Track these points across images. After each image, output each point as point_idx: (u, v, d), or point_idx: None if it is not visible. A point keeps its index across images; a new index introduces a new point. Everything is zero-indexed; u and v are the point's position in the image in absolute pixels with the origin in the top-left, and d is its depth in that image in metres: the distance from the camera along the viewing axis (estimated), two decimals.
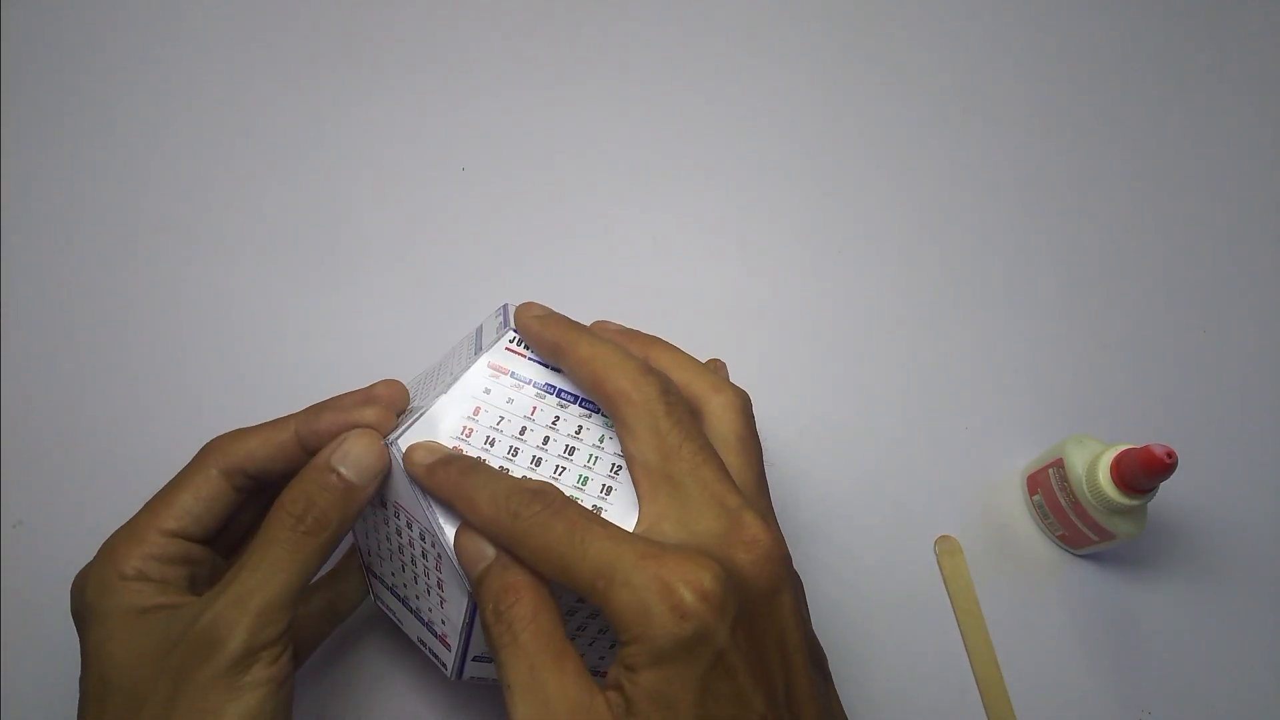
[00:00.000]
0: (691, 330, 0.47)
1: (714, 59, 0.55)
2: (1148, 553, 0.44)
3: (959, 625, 0.42)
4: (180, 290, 0.46)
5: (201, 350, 0.45)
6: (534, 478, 0.28)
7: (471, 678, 0.31)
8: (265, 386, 0.44)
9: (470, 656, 0.30)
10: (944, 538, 0.43)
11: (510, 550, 0.26)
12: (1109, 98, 0.57)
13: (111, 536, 0.29)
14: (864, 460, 0.45)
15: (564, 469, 0.29)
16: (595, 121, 0.53)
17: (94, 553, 0.29)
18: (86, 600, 0.28)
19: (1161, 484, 0.37)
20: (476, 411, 0.29)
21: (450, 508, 0.27)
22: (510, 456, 0.29)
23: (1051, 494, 0.42)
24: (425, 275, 0.48)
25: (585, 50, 0.55)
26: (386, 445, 0.29)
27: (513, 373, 0.30)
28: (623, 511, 0.28)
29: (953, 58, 0.57)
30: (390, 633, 0.39)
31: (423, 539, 0.29)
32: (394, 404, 0.30)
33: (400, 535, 0.30)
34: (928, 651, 0.41)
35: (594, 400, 0.29)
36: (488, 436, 0.29)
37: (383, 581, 0.34)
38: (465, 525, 0.27)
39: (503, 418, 0.29)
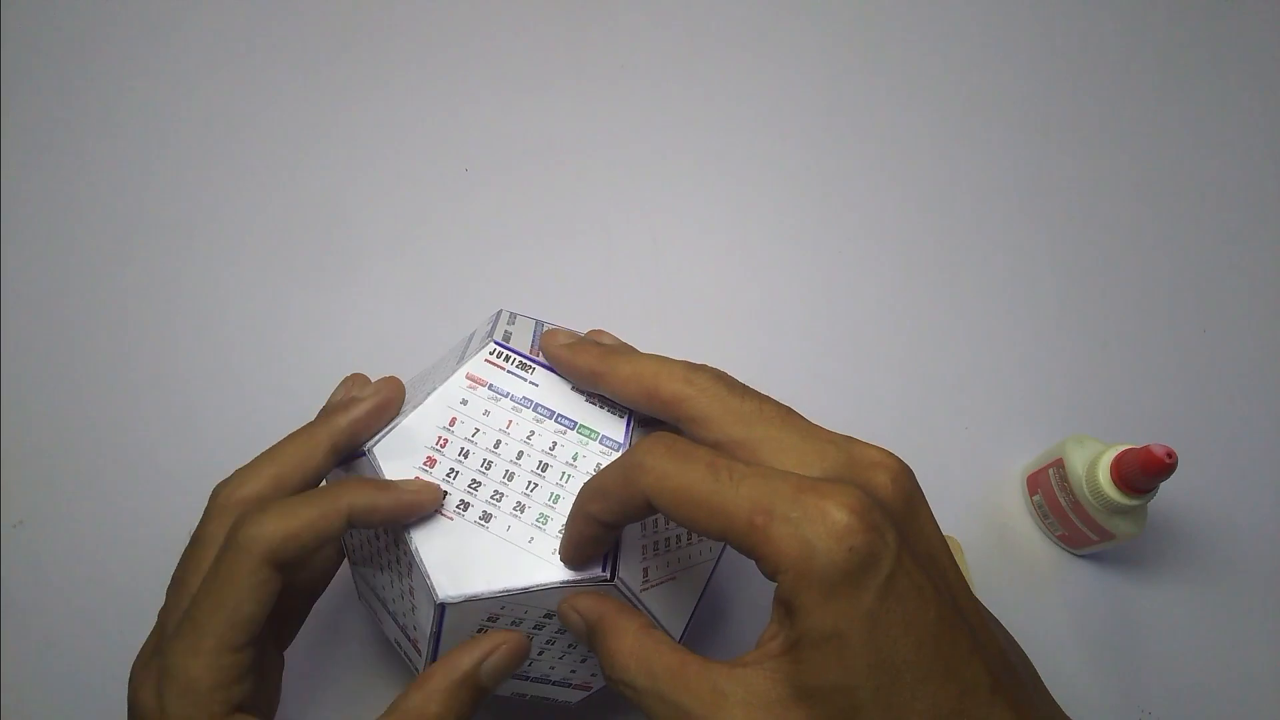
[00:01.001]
0: (691, 330, 0.47)
1: (715, 59, 0.55)
2: (1148, 553, 0.44)
3: None
4: (180, 290, 0.46)
5: (201, 350, 0.45)
6: (504, 492, 0.29)
7: None
8: (265, 386, 0.44)
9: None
10: (945, 537, 0.43)
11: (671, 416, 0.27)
12: (1109, 98, 0.57)
13: (176, 654, 0.26)
14: None
15: (536, 485, 0.29)
16: (596, 121, 0.53)
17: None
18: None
19: (1161, 484, 0.37)
20: (452, 422, 0.29)
21: (595, 381, 0.29)
22: (483, 469, 0.29)
23: (1051, 494, 0.42)
24: (426, 275, 0.48)
25: (587, 51, 0.55)
26: (365, 452, 0.29)
27: (491, 385, 0.30)
28: None
29: (953, 58, 0.57)
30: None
31: (396, 545, 0.29)
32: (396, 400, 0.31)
33: (378, 539, 0.30)
34: None
35: (651, 412, 0.28)
36: (462, 448, 0.29)
37: (364, 580, 0.34)
38: (566, 601, 0.28)
39: (478, 429, 0.29)
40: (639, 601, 0.29)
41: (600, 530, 0.26)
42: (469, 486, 0.29)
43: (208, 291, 0.46)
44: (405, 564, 0.29)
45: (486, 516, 0.28)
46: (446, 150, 0.51)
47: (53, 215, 0.48)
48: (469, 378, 0.30)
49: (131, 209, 0.48)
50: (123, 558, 0.40)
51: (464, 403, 0.30)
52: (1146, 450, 0.36)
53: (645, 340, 0.40)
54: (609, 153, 0.52)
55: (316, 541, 0.26)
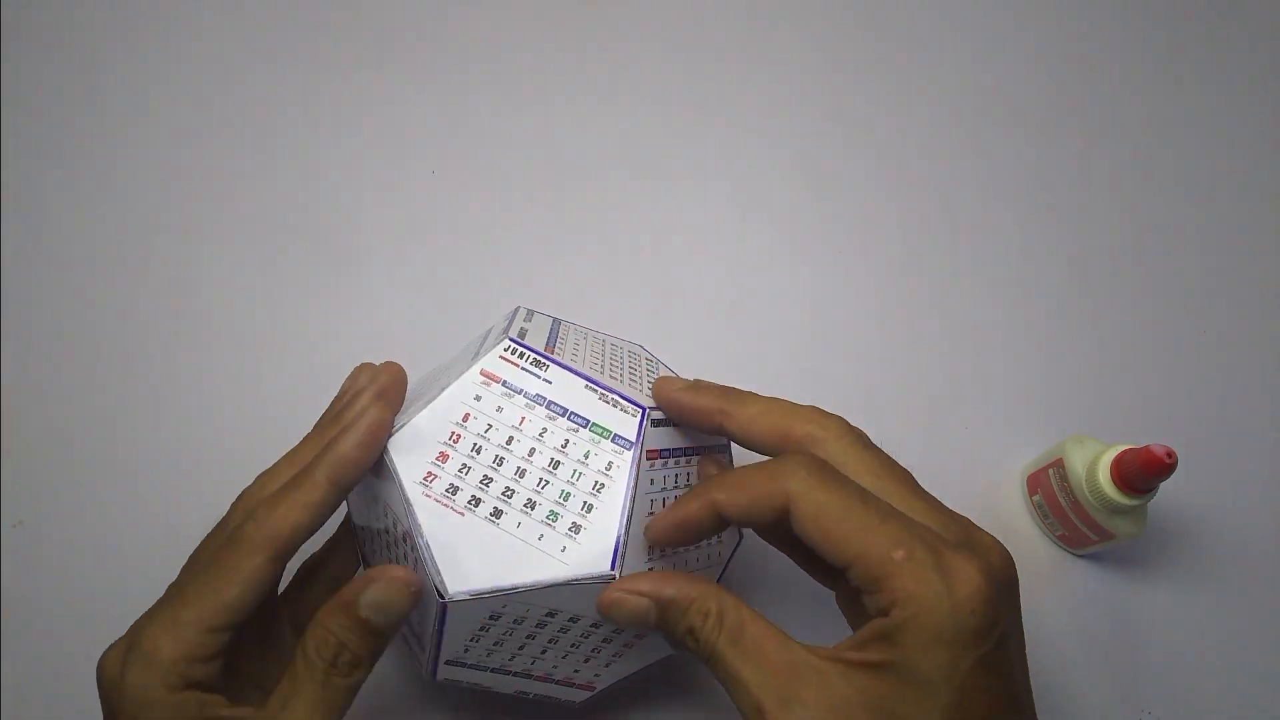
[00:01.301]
0: (691, 330, 0.47)
1: (716, 60, 0.55)
2: (1148, 553, 0.44)
3: None
4: (181, 289, 0.46)
5: (203, 349, 0.45)
6: (515, 489, 0.29)
7: (446, 679, 0.31)
8: (267, 386, 0.44)
9: (443, 660, 0.30)
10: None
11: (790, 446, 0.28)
12: (1109, 98, 0.57)
13: (150, 626, 0.27)
14: None
15: (547, 483, 0.29)
16: (597, 121, 0.53)
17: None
18: (124, 706, 0.27)
19: (1161, 484, 0.37)
20: (465, 418, 0.29)
21: (718, 424, 0.30)
22: (495, 465, 0.29)
23: (1051, 494, 0.42)
24: (430, 273, 0.48)
25: (587, 51, 0.55)
26: (384, 455, 0.29)
27: (505, 381, 0.30)
28: (600, 532, 0.28)
29: (954, 58, 0.57)
30: None
31: (404, 540, 0.29)
32: (395, 398, 0.31)
33: (388, 533, 0.30)
34: None
35: (774, 451, 0.29)
36: (474, 444, 0.29)
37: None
38: (606, 598, 0.28)
39: (490, 425, 0.29)
40: None
41: (713, 520, 0.28)
42: (480, 482, 0.29)
43: (209, 291, 0.46)
44: (413, 560, 0.29)
45: (497, 513, 0.29)
46: (447, 149, 0.51)
47: (53, 215, 0.48)
48: (483, 374, 0.30)
49: (132, 209, 0.48)
50: (123, 558, 0.40)
51: (477, 399, 0.30)
52: (1146, 450, 0.36)
53: (646, 340, 0.40)
54: (610, 152, 0.52)
55: (312, 524, 0.28)
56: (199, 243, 0.48)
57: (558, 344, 0.33)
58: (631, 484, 0.29)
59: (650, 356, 0.38)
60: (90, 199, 0.48)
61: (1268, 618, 0.43)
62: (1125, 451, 0.38)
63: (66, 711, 0.38)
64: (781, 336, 0.48)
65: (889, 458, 0.29)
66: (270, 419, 0.43)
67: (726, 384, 0.32)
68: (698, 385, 0.32)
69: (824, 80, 0.55)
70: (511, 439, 0.29)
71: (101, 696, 0.28)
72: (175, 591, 0.28)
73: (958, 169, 0.53)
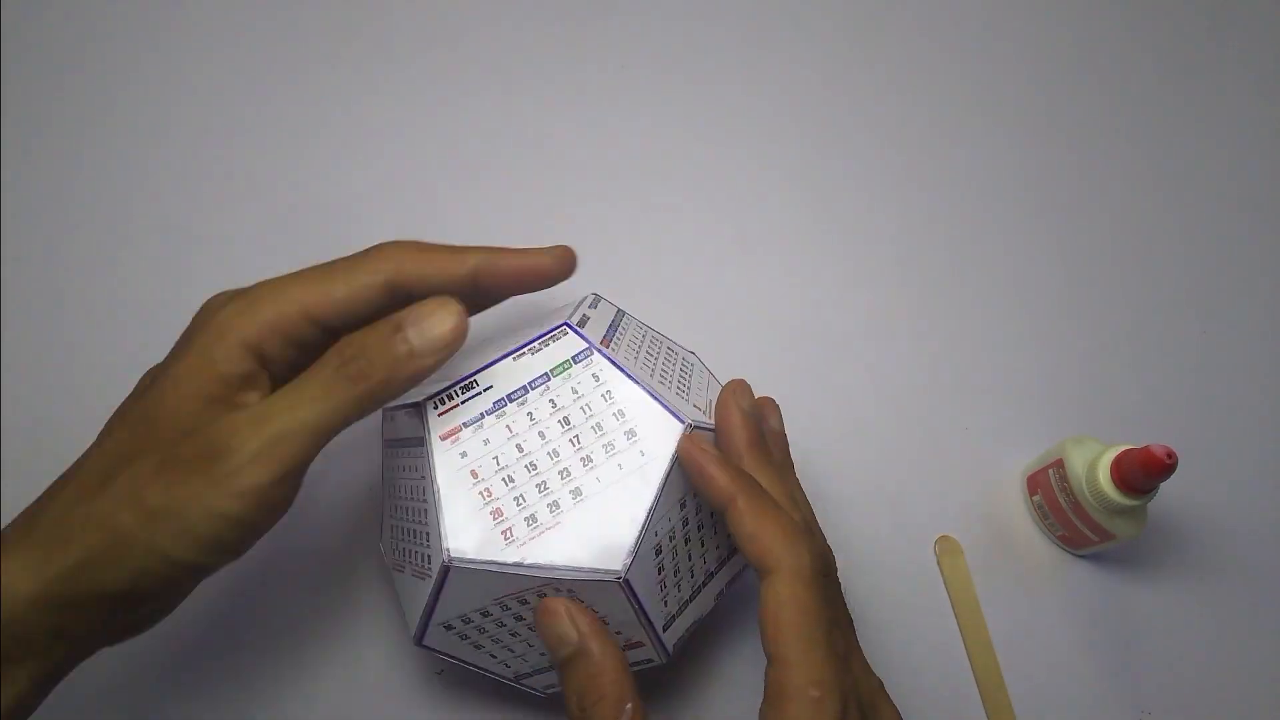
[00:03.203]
0: (691, 330, 0.47)
1: (717, 60, 0.55)
2: (1148, 553, 0.44)
3: (959, 625, 0.42)
4: (181, 290, 0.46)
5: None
6: (545, 477, 0.29)
7: (429, 646, 0.32)
8: None
9: (434, 622, 0.30)
10: (944, 538, 0.43)
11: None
12: (1110, 98, 0.57)
13: (262, 286, 0.29)
14: (864, 460, 0.45)
15: (574, 475, 0.29)
16: (597, 120, 0.53)
17: None
18: (201, 333, 0.28)
19: (1161, 484, 0.37)
20: (475, 475, 0.29)
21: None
22: (531, 471, 0.29)
23: (1051, 494, 0.42)
24: None
25: (587, 50, 0.55)
26: (421, 404, 0.30)
27: (463, 424, 0.30)
28: (619, 532, 0.28)
29: (955, 58, 0.57)
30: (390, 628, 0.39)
31: (422, 496, 0.30)
32: (566, 265, 0.32)
33: (412, 481, 0.31)
34: (928, 652, 0.41)
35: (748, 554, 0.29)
36: (504, 478, 0.29)
37: (391, 528, 0.34)
38: (549, 606, 0.28)
39: (496, 458, 0.29)
40: (641, 605, 0.29)
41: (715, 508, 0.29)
42: (508, 462, 0.29)
43: (207, 291, 0.46)
44: (429, 517, 0.29)
45: (519, 496, 0.29)
46: (446, 148, 0.51)
47: (53, 215, 0.48)
48: (442, 439, 0.30)
49: (132, 209, 0.48)
50: None
51: (464, 455, 0.30)
52: (1146, 450, 0.36)
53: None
54: (612, 152, 0.52)
55: (439, 281, 0.30)
56: (199, 242, 0.48)
57: (615, 338, 0.33)
58: (658, 492, 0.29)
59: (704, 367, 0.38)
60: (90, 199, 0.48)
61: (1268, 618, 0.43)
62: (1125, 452, 0.38)
63: (66, 711, 0.38)
64: (781, 336, 0.48)
65: (826, 610, 0.28)
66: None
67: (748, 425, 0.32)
68: (720, 458, 0.30)
69: (824, 81, 0.55)
70: (520, 446, 0.30)
71: (194, 321, 0.30)
72: (301, 272, 0.30)
73: (958, 170, 0.53)
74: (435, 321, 0.27)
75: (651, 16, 0.56)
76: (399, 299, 0.29)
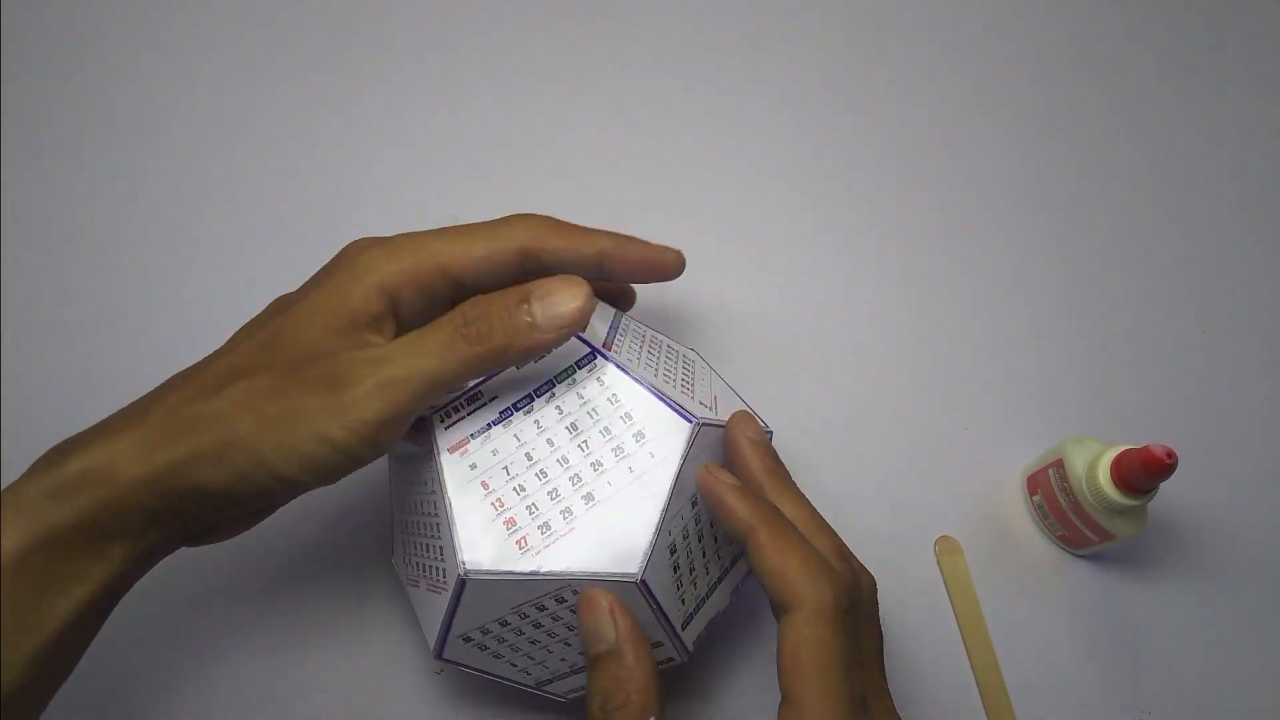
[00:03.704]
0: (691, 330, 0.47)
1: (716, 59, 0.55)
2: (1148, 553, 0.44)
3: (959, 625, 0.42)
4: (181, 290, 0.46)
5: (201, 350, 0.45)
6: (556, 484, 0.29)
7: (449, 659, 0.32)
8: None
9: (453, 634, 0.30)
10: (944, 538, 0.43)
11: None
12: (1110, 98, 0.57)
13: (406, 239, 0.30)
14: (864, 460, 0.45)
15: (585, 481, 0.29)
16: (595, 120, 0.53)
17: None
18: (339, 271, 0.30)
19: (1161, 484, 0.37)
20: (486, 486, 0.29)
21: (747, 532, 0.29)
22: (542, 478, 0.29)
23: (1051, 494, 0.42)
24: None
25: (587, 49, 0.55)
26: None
27: (471, 435, 0.30)
28: (633, 534, 0.28)
29: (955, 58, 0.57)
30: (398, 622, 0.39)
31: (435, 510, 0.29)
32: (681, 266, 0.35)
33: (422, 502, 0.31)
34: (928, 651, 0.41)
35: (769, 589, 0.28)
36: (515, 487, 0.29)
37: (402, 543, 0.34)
38: (594, 598, 0.28)
39: (505, 468, 0.29)
40: (659, 605, 0.29)
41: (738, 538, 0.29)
42: (519, 471, 0.29)
43: (209, 291, 0.46)
44: (442, 531, 0.29)
45: (532, 504, 0.29)
46: (446, 148, 0.51)
47: (53, 215, 0.48)
48: (450, 451, 0.30)
49: (132, 209, 0.48)
50: None
51: (473, 467, 0.30)
52: (1146, 450, 0.36)
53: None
54: (611, 151, 0.52)
55: (568, 257, 0.31)
56: (199, 242, 0.48)
57: (616, 340, 0.33)
58: (669, 493, 0.29)
59: (705, 363, 0.38)
60: (90, 199, 0.48)
61: (1268, 618, 0.43)
62: (1125, 452, 0.38)
63: (66, 711, 0.38)
64: (781, 336, 0.48)
65: (847, 651, 0.27)
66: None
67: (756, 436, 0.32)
68: (745, 493, 0.30)
69: (824, 79, 0.55)
70: (529, 454, 0.30)
71: (333, 261, 0.31)
72: (441, 230, 0.31)
73: (958, 169, 0.53)
74: (561, 299, 0.28)
75: (650, 16, 0.56)
76: (529, 269, 0.31)
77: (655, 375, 0.32)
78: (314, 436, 0.27)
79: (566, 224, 0.32)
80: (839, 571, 0.28)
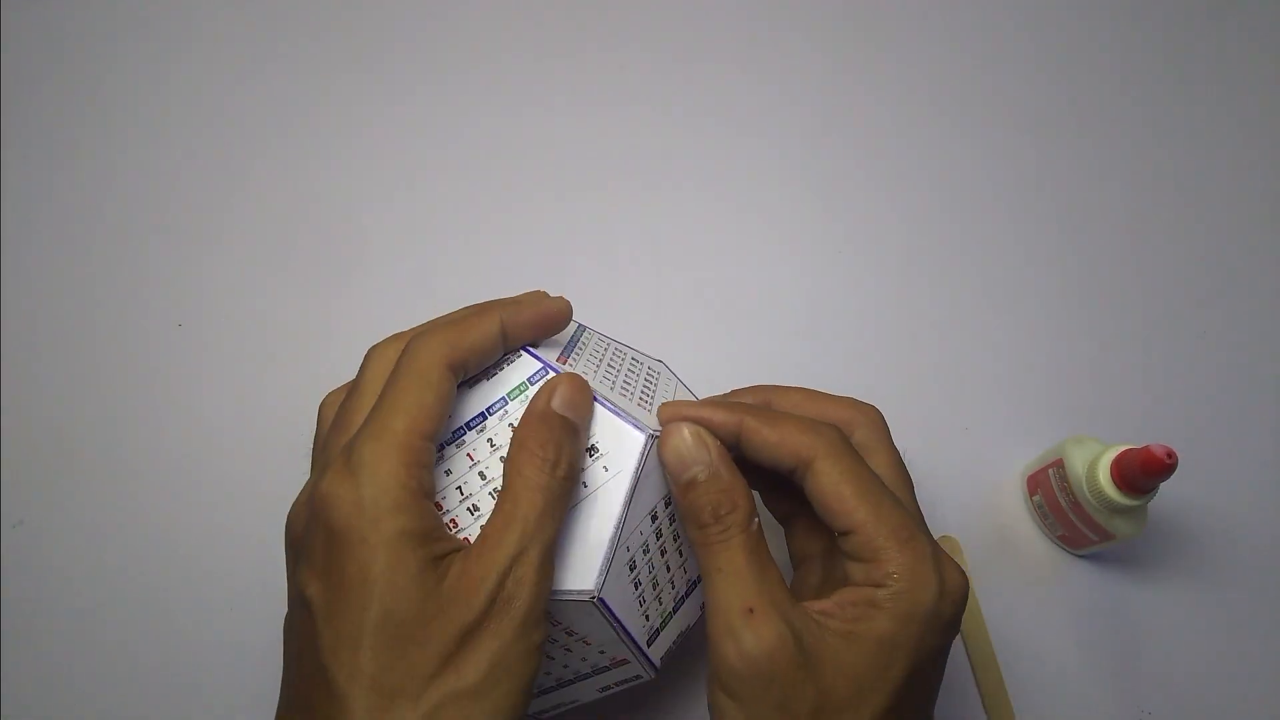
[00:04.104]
0: (691, 330, 0.47)
1: (715, 58, 0.55)
2: (1148, 553, 0.44)
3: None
4: (181, 290, 0.46)
5: (202, 350, 0.45)
6: None
7: None
8: (266, 387, 0.44)
9: None
10: (944, 538, 0.43)
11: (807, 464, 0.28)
12: (1109, 98, 0.57)
13: (361, 445, 0.26)
14: None
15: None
16: (596, 120, 0.53)
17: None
18: (360, 525, 0.25)
19: (1161, 484, 0.37)
20: (440, 507, 0.29)
21: (741, 436, 0.29)
22: (495, 497, 0.29)
23: (1051, 494, 0.42)
24: (426, 274, 0.48)
25: (585, 49, 0.55)
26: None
27: (505, 410, 0.30)
28: (589, 549, 0.28)
29: (954, 58, 0.57)
30: None
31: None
32: (562, 318, 0.32)
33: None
34: None
35: (806, 439, 0.29)
36: (469, 507, 0.29)
37: None
38: (677, 428, 0.29)
39: (459, 487, 0.29)
40: (619, 622, 0.29)
41: (731, 440, 0.30)
42: (471, 490, 0.29)
43: (210, 291, 0.46)
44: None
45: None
46: (445, 149, 0.51)
47: (54, 215, 0.48)
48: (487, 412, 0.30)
49: (132, 209, 0.48)
50: (123, 558, 0.40)
51: (448, 473, 0.29)
52: (1146, 450, 0.36)
53: (645, 341, 0.40)
54: (610, 151, 0.52)
55: (484, 344, 0.29)
56: (199, 243, 0.48)
57: (574, 354, 0.32)
58: (624, 507, 0.28)
59: (671, 374, 0.37)
60: (90, 199, 0.48)
61: (1267, 618, 0.43)
62: (1125, 451, 0.38)
63: (66, 711, 0.38)
64: (781, 336, 0.48)
65: (902, 461, 0.31)
66: (271, 420, 0.43)
67: (725, 389, 0.32)
68: (714, 400, 0.31)
69: (824, 79, 0.55)
70: (507, 455, 0.29)
71: (329, 531, 0.25)
72: (372, 413, 0.27)
73: (958, 170, 0.53)
74: (573, 392, 0.28)
75: (651, 16, 0.56)
76: (463, 378, 0.30)
77: (611, 389, 0.31)
78: (525, 654, 0.25)
79: (462, 321, 0.29)
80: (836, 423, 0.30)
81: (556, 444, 0.27)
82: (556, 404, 0.28)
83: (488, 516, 0.28)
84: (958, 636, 0.41)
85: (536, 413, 0.28)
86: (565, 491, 0.27)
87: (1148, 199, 0.54)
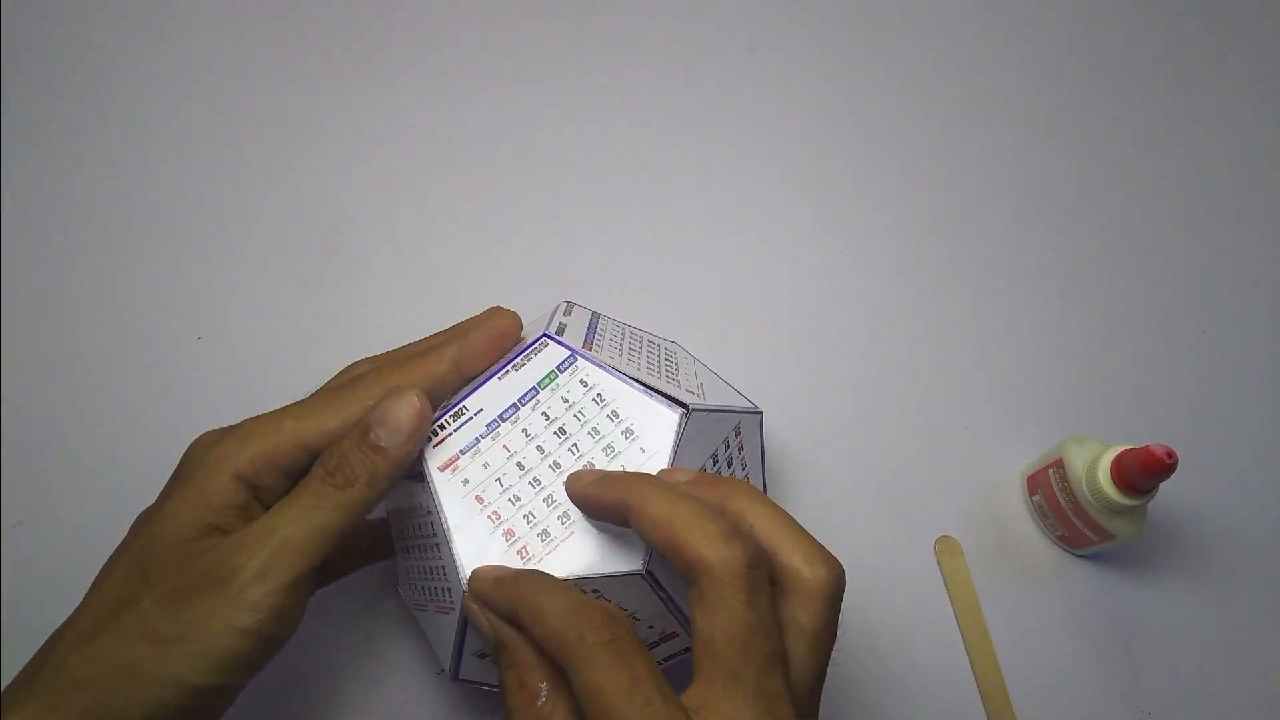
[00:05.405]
0: (690, 330, 0.47)
1: (715, 57, 0.55)
2: (1148, 553, 0.44)
3: (959, 625, 0.42)
4: (181, 291, 0.46)
5: (202, 350, 0.45)
6: (549, 488, 0.29)
7: (467, 680, 0.31)
8: (264, 387, 0.44)
9: (467, 652, 0.30)
10: (944, 538, 0.43)
11: (562, 666, 0.24)
12: (1109, 98, 0.57)
13: (257, 421, 0.30)
14: (864, 460, 0.45)
15: (576, 454, 0.29)
16: (596, 120, 0.53)
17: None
18: (193, 470, 0.29)
19: (1161, 484, 0.37)
20: (481, 500, 0.29)
21: (516, 618, 0.26)
22: (535, 486, 0.29)
23: (1051, 494, 0.42)
24: (425, 274, 0.48)
25: (585, 48, 0.55)
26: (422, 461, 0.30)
27: (460, 451, 0.30)
28: (580, 543, 0.28)
29: (955, 58, 0.57)
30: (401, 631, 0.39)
31: (432, 530, 0.29)
32: (511, 334, 0.32)
33: (418, 525, 0.31)
34: (928, 651, 0.41)
35: (671, 563, 0.26)
36: (510, 498, 0.29)
37: (406, 571, 0.34)
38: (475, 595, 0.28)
39: (499, 479, 0.29)
40: (669, 595, 0.29)
41: (623, 524, 0.27)
42: (508, 480, 0.29)
43: (209, 292, 0.46)
44: (448, 569, 0.29)
45: (528, 513, 0.29)
46: (444, 149, 0.51)
47: (53, 215, 0.48)
48: (440, 470, 0.30)
49: (131, 209, 0.48)
50: None
51: (465, 482, 0.30)
52: (1146, 450, 0.36)
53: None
54: (610, 151, 0.52)
55: (428, 384, 0.30)
56: (199, 243, 0.48)
57: (596, 340, 0.33)
58: None
59: (687, 353, 0.37)
60: (89, 199, 0.48)
61: (1268, 617, 0.43)
62: (1125, 451, 0.38)
63: None
64: (781, 336, 0.48)
65: (768, 615, 0.24)
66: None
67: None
68: (607, 476, 0.28)
69: (824, 80, 0.55)
70: (544, 444, 0.30)
71: (183, 459, 0.30)
72: (291, 406, 0.31)
73: (957, 170, 0.53)
74: (396, 412, 0.29)
75: (651, 16, 0.56)
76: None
77: (638, 369, 0.32)
78: (223, 633, 0.26)
79: (406, 360, 0.31)
80: (738, 529, 0.25)
81: (342, 454, 0.29)
82: (372, 418, 0.29)
83: (530, 507, 0.29)
84: (958, 636, 0.41)
85: (358, 425, 0.29)
86: (336, 499, 0.28)
87: (1147, 199, 0.54)
